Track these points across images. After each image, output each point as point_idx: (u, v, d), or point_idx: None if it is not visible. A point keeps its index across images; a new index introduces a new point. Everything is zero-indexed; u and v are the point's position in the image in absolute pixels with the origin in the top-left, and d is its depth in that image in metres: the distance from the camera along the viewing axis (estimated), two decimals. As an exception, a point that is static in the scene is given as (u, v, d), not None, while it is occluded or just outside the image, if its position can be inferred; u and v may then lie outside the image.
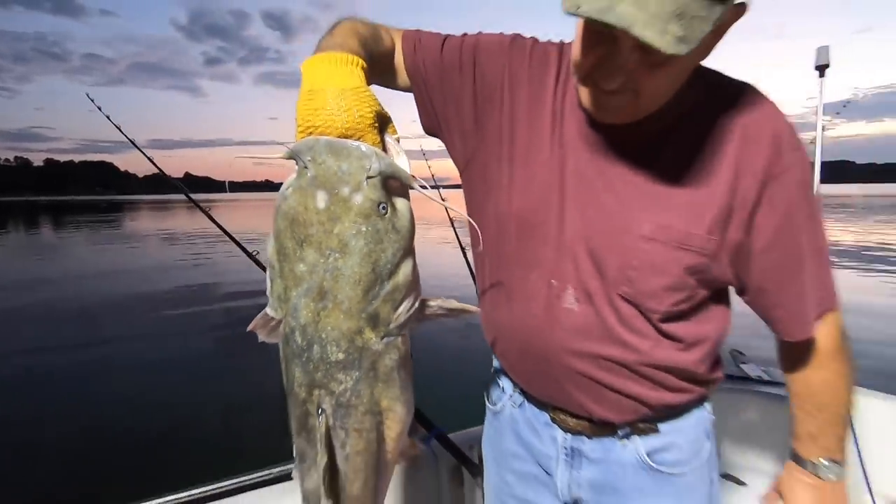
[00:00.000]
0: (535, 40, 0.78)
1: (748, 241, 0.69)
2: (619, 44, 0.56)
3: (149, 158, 1.82)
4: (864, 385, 1.74)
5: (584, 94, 0.67)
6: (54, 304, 8.13)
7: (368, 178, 0.52)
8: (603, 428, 0.79)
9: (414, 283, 0.59)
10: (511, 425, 0.89)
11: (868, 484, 1.57)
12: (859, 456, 1.61)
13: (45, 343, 5.98)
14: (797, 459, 0.83)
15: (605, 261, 0.70)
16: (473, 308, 0.66)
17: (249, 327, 0.60)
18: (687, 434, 0.81)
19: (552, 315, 0.74)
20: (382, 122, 0.57)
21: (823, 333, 0.76)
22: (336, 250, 0.53)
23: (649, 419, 0.78)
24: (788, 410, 1.81)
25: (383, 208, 0.53)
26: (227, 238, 1.54)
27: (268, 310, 0.58)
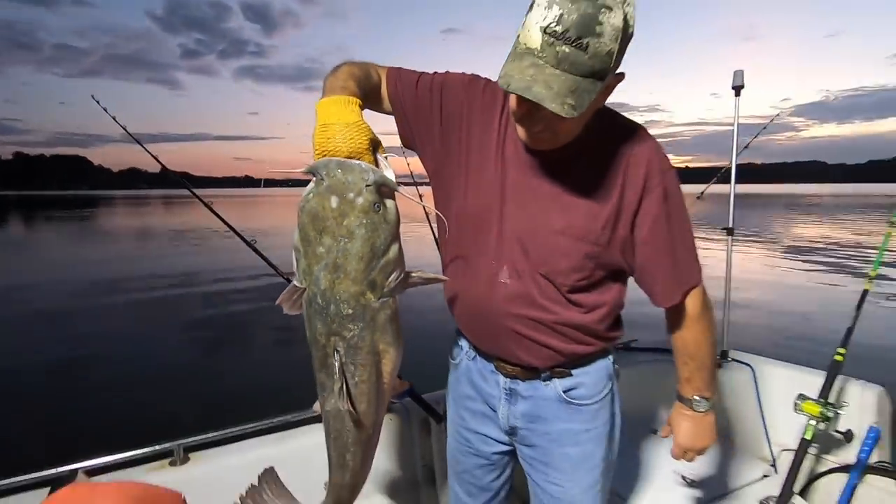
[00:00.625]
0: (487, 81, 1.01)
1: (632, 236, 0.95)
2: (541, 106, 0.78)
3: (155, 158, 2.03)
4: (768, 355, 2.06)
5: (520, 130, 0.91)
6: (25, 301, 8.02)
7: (367, 186, 0.74)
8: (531, 372, 1.05)
9: (400, 260, 0.80)
10: (466, 374, 1.15)
11: (767, 435, 1.88)
12: (761, 413, 1.92)
13: (12, 344, 5.93)
14: (680, 398, 1.11)
15: (529, 248, 0.96)
16: (443, 277, 0.90)
17: (277, 301, 0.80)
18: (592, 377, 1.06)
19: (492, 287, 1.00)
20: (375, 145, 0.81)
21: (690, 303, 1.01)
22: (345, 236, 0.74)
23: (564, 365, 1.04)
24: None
25: (377, 207, 0.75)
26: (232, 233, 1.74)
27: (295, 282, 0.79)
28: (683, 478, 1.61)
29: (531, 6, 0.75)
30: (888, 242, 1.65)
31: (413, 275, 0.84)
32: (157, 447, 1.37)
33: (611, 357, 1.10)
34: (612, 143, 0.94)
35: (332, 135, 0.76)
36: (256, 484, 1.03)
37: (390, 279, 0.79)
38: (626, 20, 0.73)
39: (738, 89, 1.99)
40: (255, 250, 1.74)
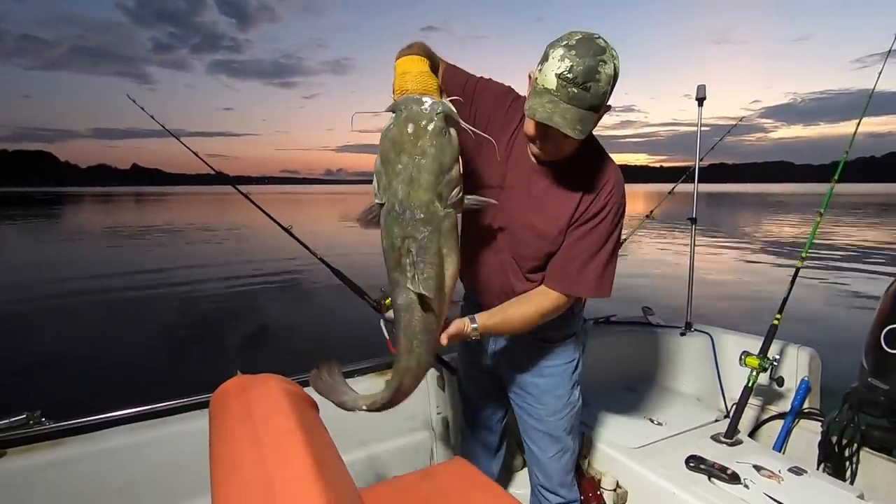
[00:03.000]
0: (516, 97, 1.23)
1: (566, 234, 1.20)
2: (551, 129, 1.03)
3: (195, 152, 2.27)
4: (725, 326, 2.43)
5: (532, 147, 1.16)
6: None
7: (436, 114, 0.90)
8: None
9: (460, 179, 0.96)
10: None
11: (722, 390, 2.25)
12: (718, 373, 2.29)
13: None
14: (472, 318, 1.18)
15: (508, 236, 1.26)
16: (492, 201, 1.08)
17: (356, 218, 1.01)
18: (557, 328, 1.36)
19: (486, 256, 1.31)
20: (441, 90, 1.07)
21: (552, 299, 1.21)
22: (419, 155, 0.90)
23: None
24: (678, 344, 2.50)
25: (444, 132, 0.91)
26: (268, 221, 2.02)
27: (375, 200, 0.96)
28: (651, 420, 1.96)
29: (546, 57, 1.01)
30: (817, 229, 2.02)
31: (468, 197, 1.03)
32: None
33: (576, 313, 1.41)
34: (580, 167, 1.18)
35: (409, 79, 1.02)
36: (318, 368, 1.20)
37: (453, 193, 0.96)
38: (615, 69, 1.01)
39: (700, 101, 2.34)
40: (294, 236, 2.03)
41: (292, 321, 6.71)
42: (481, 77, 1.25)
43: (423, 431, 1.96)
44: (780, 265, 10.49)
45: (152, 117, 2.36)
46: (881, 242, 14.64)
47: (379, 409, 1.17)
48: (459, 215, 1.05)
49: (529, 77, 1.10)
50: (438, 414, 1.98)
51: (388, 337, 1.97)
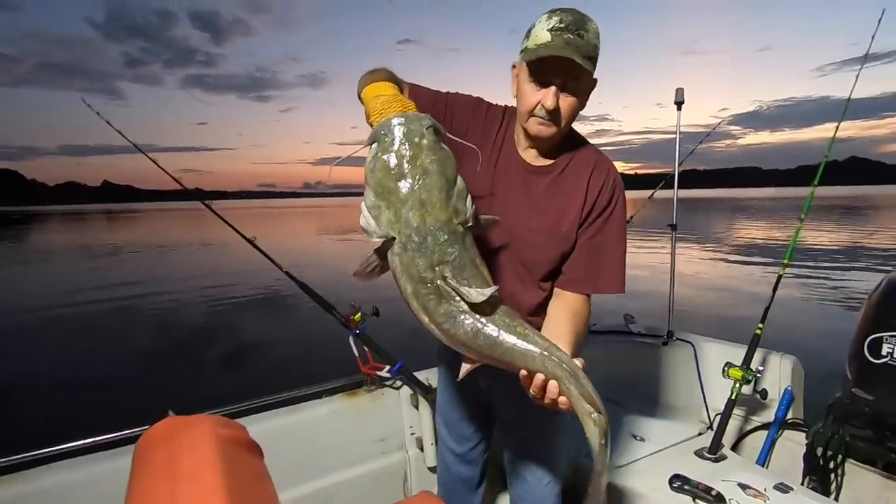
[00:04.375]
0: (489, 105, 1.19)
1: (578, 234, 1.14)
2: (551, 87, 1.01)
3: (160, 166, 2.14)
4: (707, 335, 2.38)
5: (531, 123, 1.06)
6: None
7: (426, 128, 0.85)
8: None
9: (467, 189, 0.89)
10: None
11: (705, 401, 2.20)
12: (700, 383, 2.23)
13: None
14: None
15: (509, 244, 1.16)
16: (496, 217, 0.99)
17: (353, 274, 0.90)
18: None
19: (498, 278, 1.16)
20: (401, 90, 0.99)
21: (582, 304, 1.14)
22: (421, 174, 0.83)
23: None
24: (660, 354, 2.44)
25: (439, 144, 0.86)
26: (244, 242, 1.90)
27: (374, 238, 0.85)
28: (634, 436, 1.88)
29: (531, 27, 1.01)
30: (798, 235, 1.98)
31: (482, 218, 0.95)
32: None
33: None
34: (580, 161, 1.15)
35: (385, 100, 0.94)
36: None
37: (467, 205, 0.89)
38: (598, 35, 0.99)
39: (679, 105, 2.30)
40: (258, 248, 1.91)
41: (268, 337, 6.55)
42: (448, 91, 1.21)
43: (397, 453, 1.85)
44: (761, 269, 10.68)
45: (119, 132, 2.25)
46: (856, 244, 15.04)
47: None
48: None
49: (513, 68, 1.08)
50: (413, 434, 1.88)
51: (356, 354, 1.86)
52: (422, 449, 1.85)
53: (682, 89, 2.30)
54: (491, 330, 0.87)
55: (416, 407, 1.86)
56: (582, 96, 1.06)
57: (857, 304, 7.26)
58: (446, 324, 0.88)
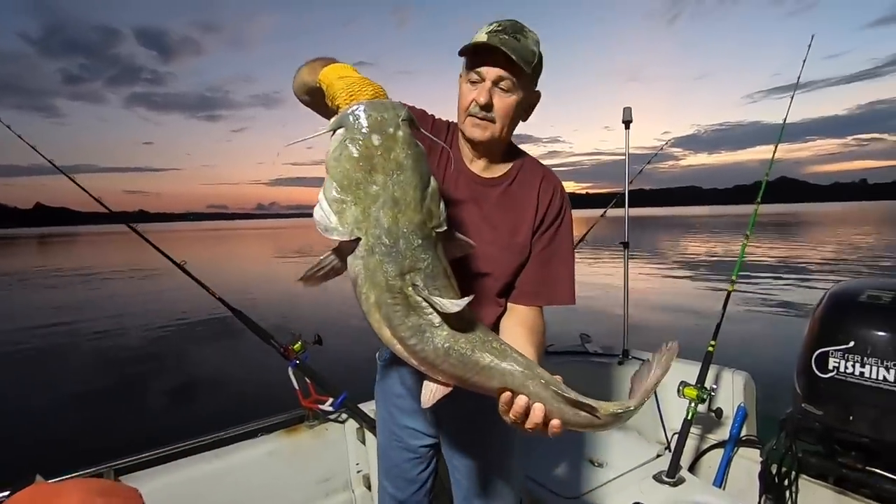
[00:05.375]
0: (434, 117, 1.16)
1: (531, 247, 1.11)
2: (485, 82, 1.00)
3: (84, 189, 1.95)
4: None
5: (467, 123, 1.05)
6: None
7: (402, 120, 0.75)
8: None
9: (439, 190, 0.80)
10: (398, 373, 1.25)
11: (662, 421, 2.16)
12: (657, 403, 2.20)
13: None
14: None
15: (472, 259, 1.08)
16: (472, 243, 0.88)
17: (300, 278, 0.77)
18: None
19: None
20: None
21: (536, 317, 1.10)
22: (396, 169, 0.73)
23: None
24: (617, 374, 2.38)
25: (414, 138, 0.77)
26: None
27: (334, 237, 0.73)
28: (592, 462, 1.81)
29: (473, 38, 1.01)
30: (745, 252, 2.00)
31: (457, 234, 0.85)
32: (88, 470, 1.32)
33: None
34: (528, 174, 1.14)
35: (354, 82, 0.81)
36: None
37: (441, 208, 0.79)
38: (539, 44, 1.00)
39: (627, 123, 2.32)
40: (188, 273, 1.75)
41: (203, 371, 6.10)
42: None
43: (342, 494, 1.70)
44: (708, 284, 11.04)
45: (33, 148, 2.02)
46: (797, 259, 15.79)
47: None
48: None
49: (460, 77, 1.07)
50: (359, 472, 1.73)
51: (296, 387, 1.71)
52: (369, 487, 1.71)
53: (629, 108, 2.32)
54: (465, 346, 0.77)
55: (363, 441, 1.72)
56: (521, 100, 1.04)
57: (799, 315, 7.62)
58: (412, 339, 0.77)
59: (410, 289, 0.74)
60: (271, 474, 1.58)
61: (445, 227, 0.79)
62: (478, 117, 1.03)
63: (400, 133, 0.74)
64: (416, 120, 0.79)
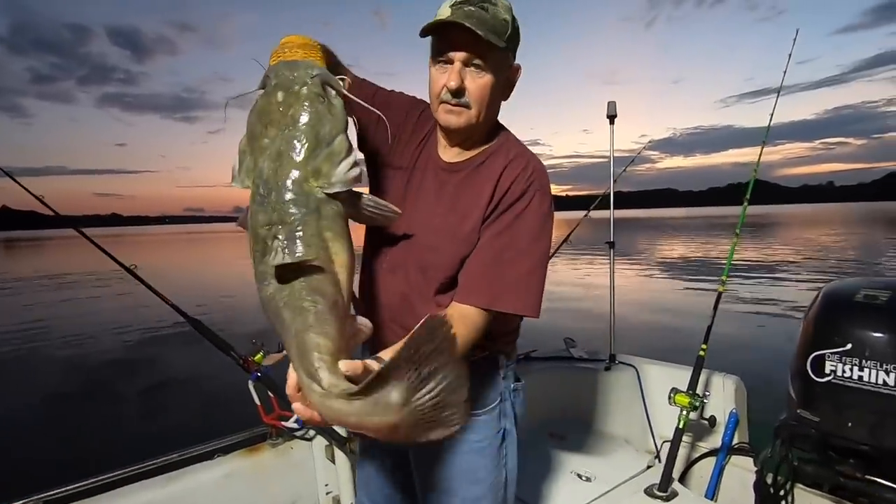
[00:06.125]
0: (425, 108, 1.07)
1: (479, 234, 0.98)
2: (454, 64, 0.91)
3: (31, 192, 1.78)
4: (650, 356, 2.28)
5: (441, 111, 0.95)
6: None
7: (311, 78, 0.77)
8: None
9: (348, 153, 0.77)
10: None
11: (651, 429, 2.07)
12: (645, 409, 2.11)
13: None
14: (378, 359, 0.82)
15: (411, 244, 1.01)
16: (396, 210, 0.83)
17: (238, 223, 0.81)
18: (474, 389, 0.83)
19: (378, 279, 1.05)
20: (328, 67, 0.84)
21: (470, 316, 0.92)
22: (289, 125, 0.75)
23: None
24: (604, 380, 2.27)
25: (321, 98, 0.77)
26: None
27: (236, 185, 0.77)
28: (579, 476, 1.70)
29: (436, 13, 0.91)
30: (734, 251, 1.92)
31: (365, 196, 0.83)
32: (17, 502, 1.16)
33: (501, 373, 1.09)
34: (499, 155, 1.01)
35: (288, 48, 0.85)
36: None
37: (338, 170, 0.76)
38: (512, 13, 0.90)
39: (612, 118, 2.22)
40: (138, 278, 1.60)
41: (158, 383, 5.73)
42: (392, 90, 1.14)
43: None
44: (695, 284, 10.97)
45: None
46: (783, 259, 15.89)
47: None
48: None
49: (430, 60, 0.98)
50: (329, 493, 1.59)
51: (258, 402, 1.57)
52: (341, 510, 1.57)
53: (614, 102, 2.22)
54: (278, 298, 0.71)
55: (332, 460, 1.58)
56: (498, 79, 0.94)
57: (789, 315, 7.59)
58: (259, 284, 0.75)
59: (272, 238, 0.73)
60: (230, 499, 1.44)
61: (340, 190, 0.76)
62: (450, 104, 0.94)
63: (304, 90, 0.76)
64: (338, 84, 0.80)
